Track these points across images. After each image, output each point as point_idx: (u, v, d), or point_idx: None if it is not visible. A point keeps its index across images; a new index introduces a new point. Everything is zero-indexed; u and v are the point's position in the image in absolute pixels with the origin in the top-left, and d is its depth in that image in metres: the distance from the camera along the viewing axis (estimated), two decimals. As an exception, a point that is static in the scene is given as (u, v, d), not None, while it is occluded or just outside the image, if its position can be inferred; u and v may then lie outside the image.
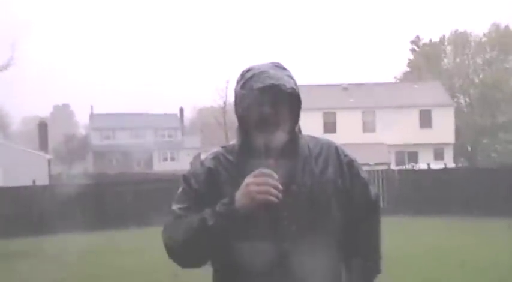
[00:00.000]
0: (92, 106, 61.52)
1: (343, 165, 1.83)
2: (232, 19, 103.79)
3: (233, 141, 1.85)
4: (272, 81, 1.69)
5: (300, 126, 1.81)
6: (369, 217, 1.88)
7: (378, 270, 1.89)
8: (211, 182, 1.75)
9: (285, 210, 1.68)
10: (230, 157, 1.79)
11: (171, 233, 1.74)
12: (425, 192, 15.52)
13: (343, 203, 1.79)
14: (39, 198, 14.12)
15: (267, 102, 1.69)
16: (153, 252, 9.51)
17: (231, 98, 31.91)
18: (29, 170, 23.72)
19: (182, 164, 48.83)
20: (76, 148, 53.94)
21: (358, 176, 1.86)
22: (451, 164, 30.70)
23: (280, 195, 1.61)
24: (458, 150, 36.74)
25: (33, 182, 15.94)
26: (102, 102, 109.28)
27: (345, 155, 1.86)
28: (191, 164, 44.99)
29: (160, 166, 51.12)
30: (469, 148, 37.05)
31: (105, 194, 15.10)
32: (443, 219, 13.64)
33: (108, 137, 57.84)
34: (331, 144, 1.88)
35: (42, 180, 22.55)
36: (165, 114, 61.42)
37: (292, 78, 1.75)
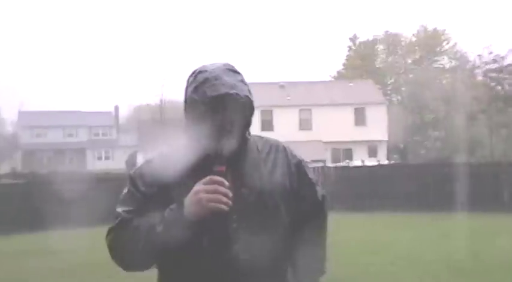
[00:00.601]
0: (21, 103, 59.08)
1: (292, 166, 1.83)
2: (168, 17, 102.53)
3: (182, 141, 1.81)
4: (226, 90, 1.65)
5: (250, 130, 1.80)
6: (315, 218, 1.90)
7: (323, 271, 1.91)
8: (158, 184, 1.71)
9: (234, 213, 1.66)
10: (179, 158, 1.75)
11: (117, 237, 1.69)
12: (360, 188, 15.92)
13: (291, 203, 1.79)
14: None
15: (221, 111, 1.66)
16: (87, 254, 9.20)
17: (168, 96, 31.43)
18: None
19: (117, 163, 47.72)
20: (3, 146, 51.48)
21: (306, 177, 1.87)
22: (384, 161, 31.71)
23: (230, 202, 1.60)
24: (391, 147, 38.01)
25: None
26: (32, 100, 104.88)
27: (293, 156, 1.87)
28: (126, 162, 44.20)
29: (95, 165, 49.73)
30: (401, 145, 38.40)
31: (35, 194, 14.46)
32: (377, 215, 14.04)
33: (39, 135, 55.76)
34: (279, 144, 1.87)
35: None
36: (100, 112, 59.98)
37: (245, 83, 1.73)
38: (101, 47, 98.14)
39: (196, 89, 1.68)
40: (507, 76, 24.54)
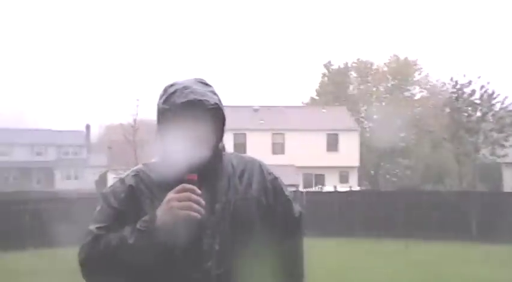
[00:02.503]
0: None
1: (267, 182, 1.82)
2: (142, 36, 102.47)
3: (154, 159, 1.82)
4: (195, 97, 1.67)
5: (224, 144, 1.80)
6: (292, 234, 1.88)
7: None
8: (131, 200, 1.69)
9: (208, 228, 1.65)
10: (152, 174, 1.74)
11: (88, 253, 1.65)
12: (332, 213, 15.98)
13: (267, 220, 1.78)
14: None
15: (190, 117, 1.66)
16: (52, 275, 8.95)
17: (141, 116, 31.20)
18: None
19: (86, 183, 46.88)
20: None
21: (282, 194, 1.86)
22: (356, 187, 31.96)
23: (202, 210, 1.57)
24: (362, 173, 38.36)
25: None
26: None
27: (269, 173, 1.85)
28: (96, 182, 43.38)
29: (63, 184, 48.74)
30: (372, 172, 38.81)
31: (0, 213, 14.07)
32: (347, 240, 14.08)
33: (4, 153, 54.45)
34: (255, 161, 1.87)
35: None
36: (70, 131, 59.02)
37: (215, 94, 1.75)
38: (73, 64, 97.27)
39: (166, 99, 1.70)
40: (466, 106, 25.19)
